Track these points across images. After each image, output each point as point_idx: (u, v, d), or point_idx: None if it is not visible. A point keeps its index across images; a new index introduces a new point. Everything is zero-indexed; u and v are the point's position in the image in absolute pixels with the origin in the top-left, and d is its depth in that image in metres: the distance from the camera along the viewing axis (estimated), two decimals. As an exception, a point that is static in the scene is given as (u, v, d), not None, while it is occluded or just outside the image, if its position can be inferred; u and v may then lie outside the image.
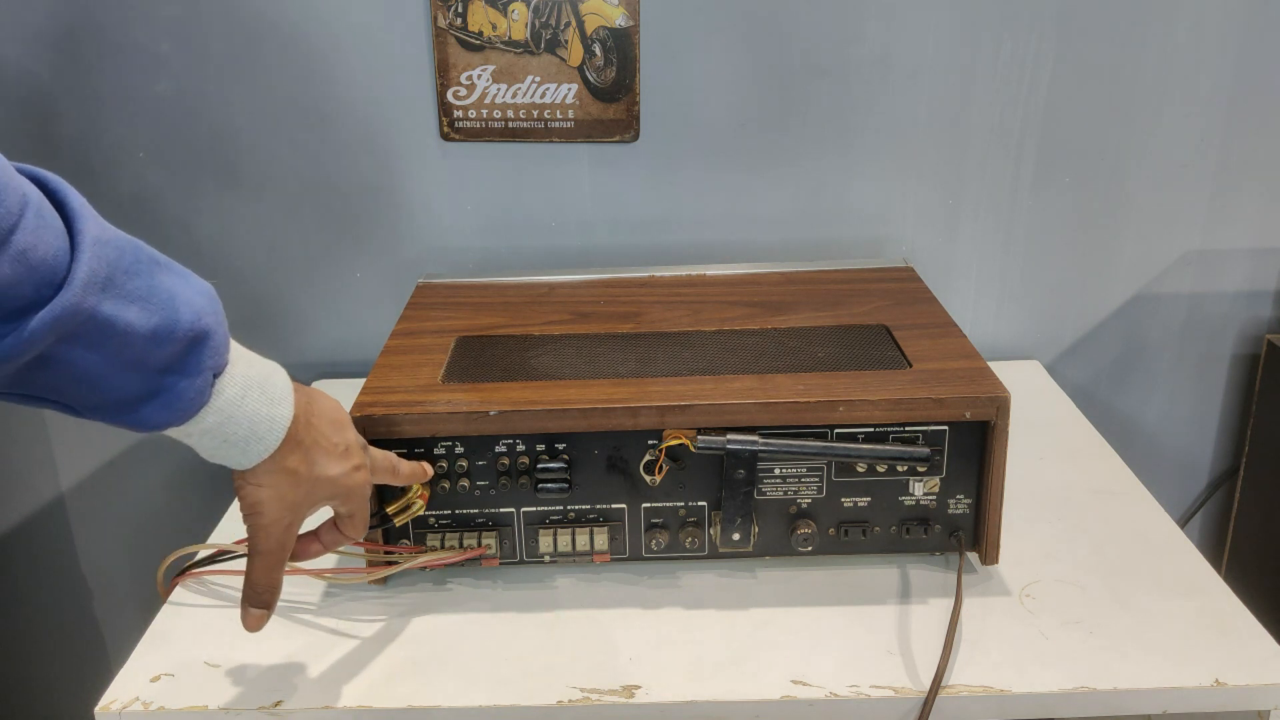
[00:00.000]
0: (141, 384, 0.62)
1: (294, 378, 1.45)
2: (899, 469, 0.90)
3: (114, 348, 0.59)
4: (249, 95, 1.23)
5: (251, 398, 0.68)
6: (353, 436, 0.77)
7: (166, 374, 0.62)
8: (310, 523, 0.81)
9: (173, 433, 0.66)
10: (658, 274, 1.19)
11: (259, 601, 0.75)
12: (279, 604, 0.90)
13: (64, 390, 0.61)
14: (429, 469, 0.87)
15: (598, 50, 1.20)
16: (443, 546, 0.91)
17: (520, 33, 1.20)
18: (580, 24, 1.19)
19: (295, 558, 0.79)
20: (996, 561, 0.92)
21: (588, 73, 1.21)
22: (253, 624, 0.76)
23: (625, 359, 0.96)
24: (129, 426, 0.64)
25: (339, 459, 0.74)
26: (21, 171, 0.58)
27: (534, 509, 0.91)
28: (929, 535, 0.92)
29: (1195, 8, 1.21)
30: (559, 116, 1.23)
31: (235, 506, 1.06)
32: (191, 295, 0.63)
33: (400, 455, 0.88)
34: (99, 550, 1.44)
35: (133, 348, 0.60)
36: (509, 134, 1.24)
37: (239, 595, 0.92)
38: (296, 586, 0.92)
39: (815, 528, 0.91)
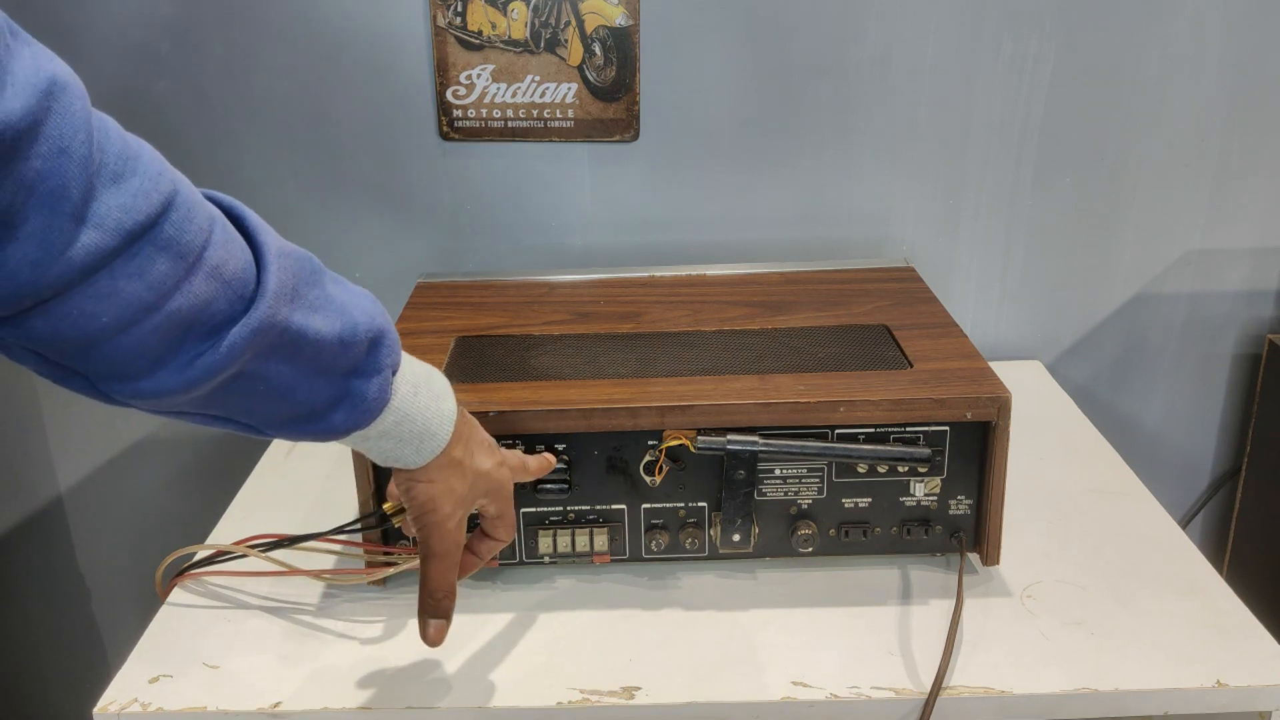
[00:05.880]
0: (330, 390, 0.63)
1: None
2: (900, 469, 0.90)
3: (306, 356, 0.61)
4: (249, 95, 1.22)
5: (422, 394, 0.69)
6: (485, 433, 0.78)
7: (351, 377, 0.64)
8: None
9: (353, 439, 0.67)
10: (658, 274, 1.19)
11: (438, 610, 0.76)
12: (278, 603, 0.91)
13: (255, 408, 0.62)
14: (552, 459, 0.86)
15: (598, 50, 1.20)
16: (442, 547, 0.91)
17: (520, 32, 1.19)
18: (580, 23, 1.19)
19: (461, 571, 0.79)
20: (997, 562, 0.91)
21: (588, 72, 1.21)
22: (435, 637, 0.76)
23: (625, 359, 0.96)
24: (316, 436, 0.65)
25: (489, 453, 0.76)
26: None
27: (534, 509, 0.91)
28: (930, 536, 0.92)
29: (1195, 8, 1.21)
30: (559, 116, 1.23)
31: (234, 507, 1.06)
32: (358, 299, 0.65)
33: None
34: (99, 550, 1.44)
35: (323, 355, 0.61)
36: (509, 133, 1.24)
37: (239, 596, 0.92)
38: (296, 587, 0.92)
39: (816, 528, 0.91)
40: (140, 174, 0.52)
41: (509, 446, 0.88)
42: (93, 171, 0.49)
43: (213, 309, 0.55)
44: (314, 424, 0.64)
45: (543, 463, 0.85)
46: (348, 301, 0.63)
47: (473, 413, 0.86)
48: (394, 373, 0.67)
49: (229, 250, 0.56)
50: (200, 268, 0.54)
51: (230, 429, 0.63)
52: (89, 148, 0.49)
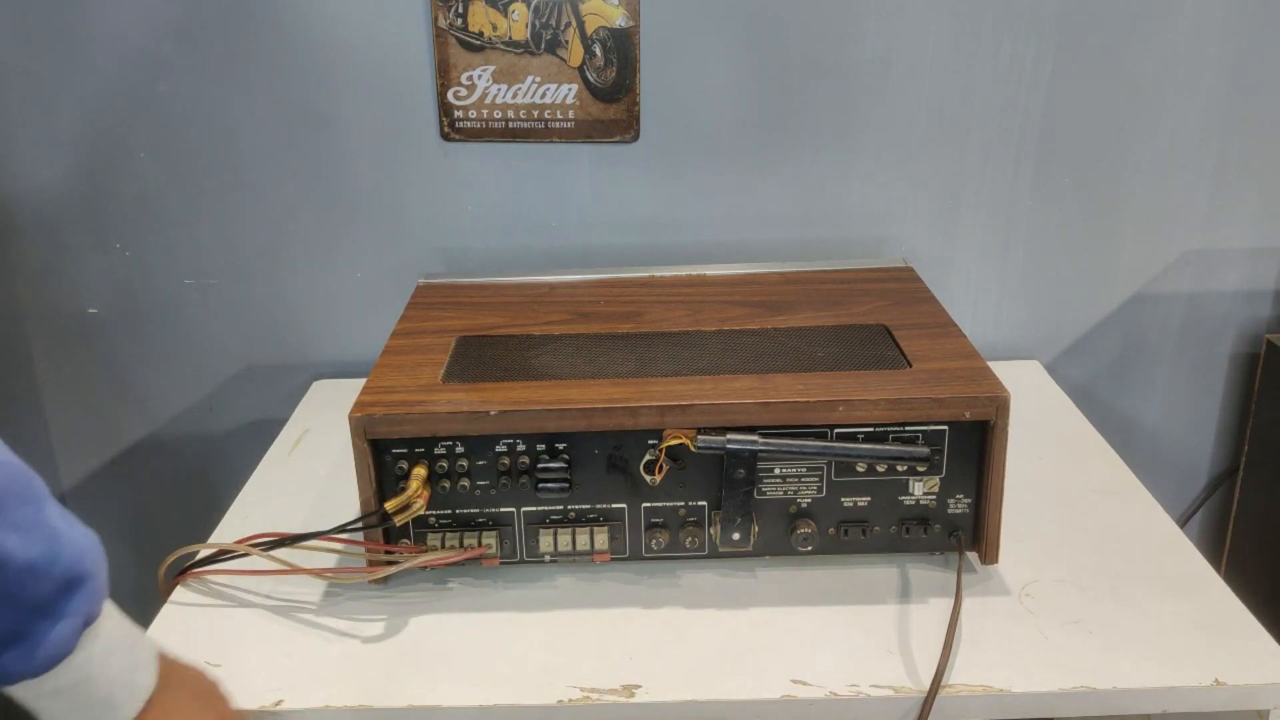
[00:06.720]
0: (7, 623, 0.58)
1: (294, 378, 1.45)
2: (899, 469, 0.90)
3: None
4: (249, 95, 1.23)
5: (116, 659, 0.63)
6: (225, 710, 0.71)
7: (35, 615, 0.58)
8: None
9: (22, 691, 0.61)
10: (658, 274, 1.19)
11: None
12: (280, 602, 0.91)
13: None
14: None
15: (598, 50, 1.20)
16: (443, 546, 0.91)
17: (520, 33, 1.20)
18: (580, 24, 1.19)
19: None
20: (996, 561, 0.92)
21: (588, 73, 1.22)
22: None
23: (625, 359, 0.96)
24: None
25: (204, 709, 0.69)
26: None
27: (534, 509, 0.91)
28: (929, 535, 0.92)
29: (1195, 8, 1.21)
30: (559, 116, 1.23)
31: (235, 506, 1.06)
32: (76, 536, 0.60)
33: (401, 457, 0.88)
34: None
35: (6, 577, 0.56)
36: (509, 134, 1.24)
37: (239, 596, 0.92)
38: (297, 586, 0.93)
39: (815, 527, 0.91)
40: None
41: (509, 445, 0.89)
42: None
43: None
44: None
45: None
46: (61, 533, 0.59)
47: (473, 412, 0.86)
48: (86, 624, 0.61)
49: None
50: None
51: None
52: None
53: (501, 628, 0.87)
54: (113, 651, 0.63)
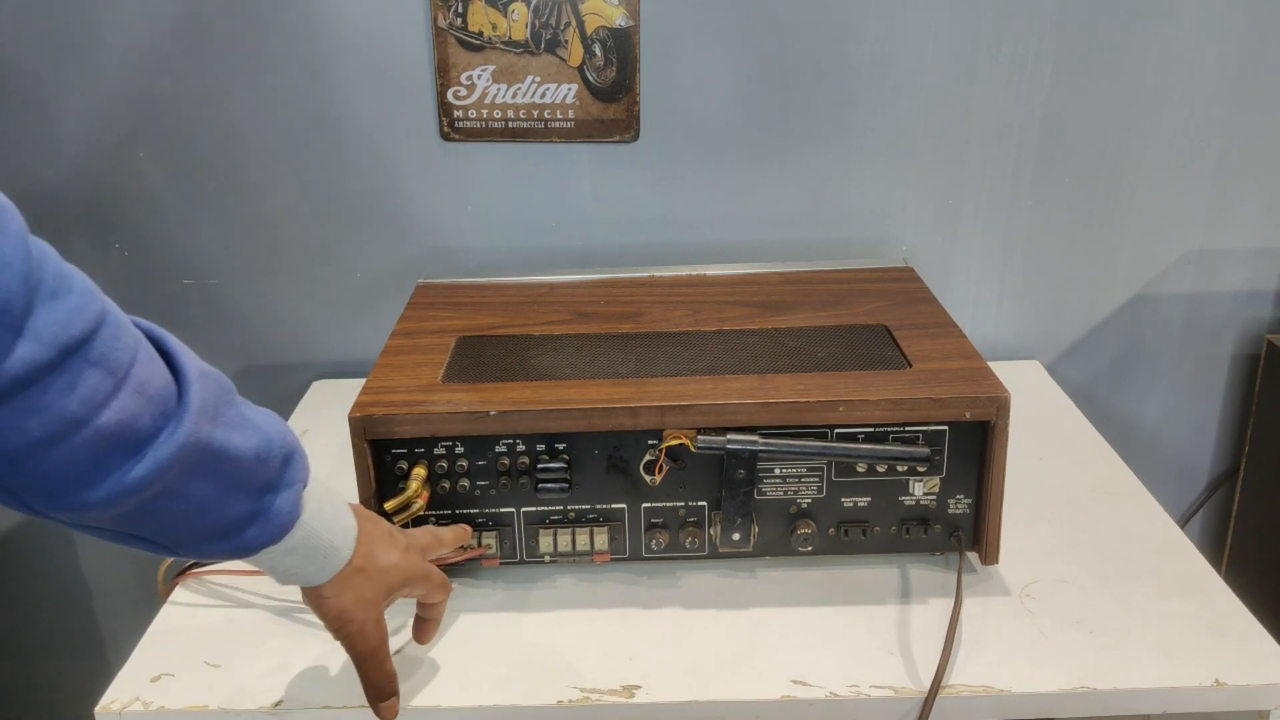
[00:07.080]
0: (246, 505, 0.65)
1: (294, 378, 1.45)
2: (899, 469, 0.90)
3: (226, 472, 0.62)
4: (250, 95, 1.23)
5: (327, 510, 0.71)
6: (392, 528, 0.79)
7: (266, 492, 0.66)
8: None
9: (262, 556, 0.68)
10: (658, 274, 1.19)
11: (383, 695, 0.77)
12: (280, 603, 0.91)
13: (172, 526, 0.62)
14: (468, 529, 0.89)
15: (598, 50, 1.20)
16: (443, 546, 0.91)
17: (520, 33, 1.20)
18: (580, 24, 1.19)
19: (425, 638, 0.84)
20: (996, 561, 0.92)
21: (588, 73, 1.21)
22: (389, 715, 0.78)
23: (625, 359, 0.96)
24: (227, 555, 0.66)
25: (390, 545, 0.76)
26: None
27: (534, 509, 0.91)
28: (929, 535, 0.92)
29: (1195, 8, 1.21)
30: (559, 116, 1.23)
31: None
32: (269, 418, 0.67)
33: (401, 457, 0.88)
34: (99, 550, 1.44)
35: (241, 470, 0.63)
36: (509, 134, 1.24)
37: (239, 596, 0.92)
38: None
39: (815, 528, 0.91)
40: (75, 292, 0.53)
41: (509, 446, 0.89)
42: (32, 287, 0.51)
43: (138, 424, 0.56)
44: (228, 541, 0.65)
45: (458, 533, 0.87)
46: (260, 420, 0.66)
47: (473, 412, 0.86)
48: (304, 488, 0.69)
49: (152, 369, 0.58)
50: (128, 384, 0.55)
51: (141, 548, 0.64)
52: (28, 264, 0.51)
53: (501, 628, 0.87)
54: (323, 505, 0.71)
